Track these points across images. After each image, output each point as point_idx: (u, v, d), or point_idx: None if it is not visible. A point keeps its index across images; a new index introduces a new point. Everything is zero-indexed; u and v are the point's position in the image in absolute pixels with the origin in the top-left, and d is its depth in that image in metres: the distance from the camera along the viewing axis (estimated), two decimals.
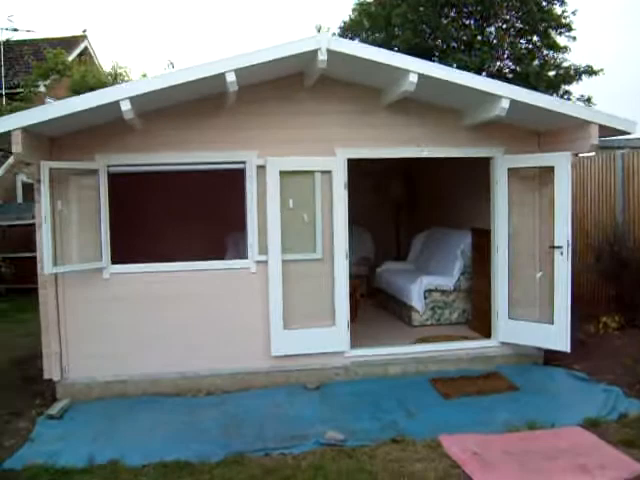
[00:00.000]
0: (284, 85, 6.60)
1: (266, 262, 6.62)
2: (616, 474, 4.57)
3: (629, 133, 6.52)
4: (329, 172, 6.67)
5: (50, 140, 6.25)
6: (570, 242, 6.54)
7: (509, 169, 6.90)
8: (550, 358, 7.10)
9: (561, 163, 6.50)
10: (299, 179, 6.71)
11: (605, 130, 6.36)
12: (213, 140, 6.61)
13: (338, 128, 6.74)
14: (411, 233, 10.78)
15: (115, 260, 6.55)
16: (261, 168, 6.58)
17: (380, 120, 6.81)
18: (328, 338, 6.76)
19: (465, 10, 14.37)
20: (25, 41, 17.00)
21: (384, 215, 11.48)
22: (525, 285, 6.98)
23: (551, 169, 6.62)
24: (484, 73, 13.89)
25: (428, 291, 8.23)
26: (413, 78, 5.81)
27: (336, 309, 6.75)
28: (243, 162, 6.62)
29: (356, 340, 6.99)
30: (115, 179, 6.56)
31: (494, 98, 6.06)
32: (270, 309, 6.61)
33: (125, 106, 5.56)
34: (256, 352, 6.71)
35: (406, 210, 11.50)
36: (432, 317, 8.27)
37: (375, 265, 10.43)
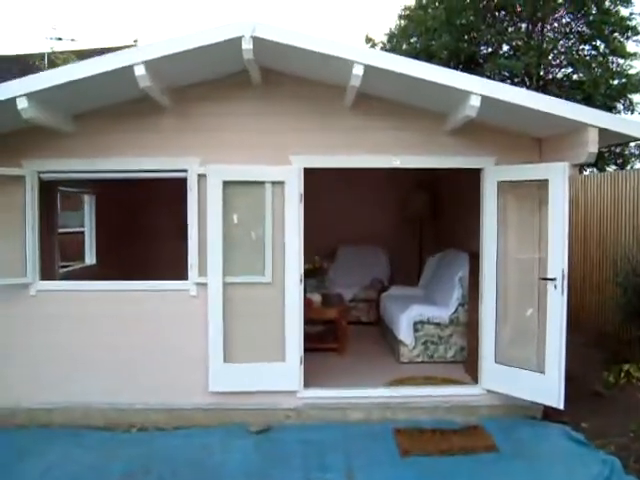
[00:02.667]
0: (230, 84, 5.78)
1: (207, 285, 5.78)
2: None
3: None
4: (281, 183, 5.77)
5: None
6: (566, 273, 5.34)
7: (499, 182, 5.76)
8: (551, 412, 5.84)
9: (556, 175, 5.32)
10: (246, 191, 5.85)
11: (612, 136, 5.13)
12: (153, 145, 5.88)
13: (294, 133, 5.84)
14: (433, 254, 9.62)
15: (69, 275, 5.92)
16: (203, 177, 5.76)
17: (345, 123, 5.86)
18: (277, 375, 5.82)
19: (513, 12, 13.06)
20: (70, 51, 17.05)
21: (407, 234, 10.38)
22: (515, 322, 5.80)
23: (546, 183, 5.43)
24: (530, 79, 12.52)
25: (420, 323, 7.13)
26: (358, 70, 4.83)
27: (287, 342, 5.81)
28: (185, 170, 5.83)
29: (332, 376, 6.30)
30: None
31: (462, 95, 4.98)
32: (209, 338, 5.76)
33: (22, 104, 4.89)
34: (195, 386, 5.87)
35: (430, 228, 10.35)
36: (424, 353, 7.15)
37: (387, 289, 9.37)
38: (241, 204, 5.84)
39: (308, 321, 7.88)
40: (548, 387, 5.40)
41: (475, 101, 4.90)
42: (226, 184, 5.73)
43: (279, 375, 5.82)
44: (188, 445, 5.52)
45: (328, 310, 7.60)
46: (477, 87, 4.92)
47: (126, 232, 9.67)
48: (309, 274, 7.87)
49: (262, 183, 5.79)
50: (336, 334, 7.56)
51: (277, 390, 5.86)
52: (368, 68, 4.85)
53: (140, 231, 9.81)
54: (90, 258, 9.06)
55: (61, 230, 8.35)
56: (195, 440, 5.61)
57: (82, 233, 9.19)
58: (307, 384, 5.95)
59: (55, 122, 5.46)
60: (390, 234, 10.25)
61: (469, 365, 6.73)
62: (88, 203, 9.08)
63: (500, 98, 4.91)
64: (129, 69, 4.86)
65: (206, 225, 5.73)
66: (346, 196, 10.17)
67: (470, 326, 6.76)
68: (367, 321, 9.34)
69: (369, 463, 5.12)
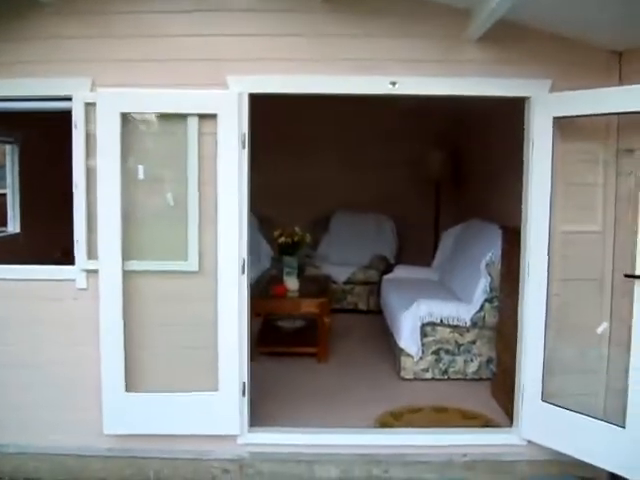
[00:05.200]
0: None
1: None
2: None
3: None
4: (213, 117, 3.67)
5: None
6: None
7: (557, 119, 3.60)
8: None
9: None
10: (158, 129, 3.81)
11: None
12: (33, 59, 3.80)
13: (234, 40, 3.74)
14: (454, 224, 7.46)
15: None
16: (94, 108, 3.69)
17: (316, 27, 3.73)
18: (206, 411, 3.83)
19: None
20: None
21: (420, 198, 8.20)
22: (578, 342, 3.71)
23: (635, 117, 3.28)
24: None
25: (430, 325, 5.05)
26: None
27: (220, 362, 3.79)
28: (69, 98, 3.77)
29: (299, 405, 4.40)
30: None
31: None
32: (102, 355, 3.75)
33: None
34: (89, 424, 3.91)
35: (450, 193, 8.18)
36: (435, 367, 5.10)
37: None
38: (151, 151, 3.82)
39: (283, 315, 5.94)
40: (629, 450, 3.31)
41: None
42: (126, 118, 3.68)
43: (209, 411, 3.83)
44: None
45: (305, 302, 5.56)
46: None
47: (58, 192, 7.63)
48: (287, 251, 5.86)
49: (183, 117, 3.72)
50: (317, 335, 5.54)
51: (208, 434, 3.86)
52: None
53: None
54: (13, 225, 7.08)
55: None
56: None
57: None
58: (258, 421, 3.99)
59: None
60: (398, 199, 8.09)
61: (498, 386, 4.69)
62: (10, 155, 7.05)
63: None
64: None
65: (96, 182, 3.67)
66: (342, 150, 8.03)
67: (501, 331, 4.70)
68: (365, 309, 7.29)
69: None
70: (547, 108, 3.65)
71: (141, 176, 3.75)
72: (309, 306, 5.49)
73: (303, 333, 5.91)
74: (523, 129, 3.85)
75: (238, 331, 3.80)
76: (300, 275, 6.13)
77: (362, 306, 7.31)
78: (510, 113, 4.65)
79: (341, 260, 7.54)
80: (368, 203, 8.03)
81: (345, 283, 7.27)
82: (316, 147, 7.95)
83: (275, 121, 7.75)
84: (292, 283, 5.78)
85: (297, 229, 6.02)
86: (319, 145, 7.94)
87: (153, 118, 3.79)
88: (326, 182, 8.05)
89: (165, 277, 3.82)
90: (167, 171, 3.86)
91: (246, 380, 3.88)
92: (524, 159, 3.84)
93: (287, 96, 3.83)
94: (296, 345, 5.66)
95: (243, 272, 3.80)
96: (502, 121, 5.72)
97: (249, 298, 3.88)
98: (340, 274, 7.24)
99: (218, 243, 3.73)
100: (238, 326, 3.79)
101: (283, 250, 6.01)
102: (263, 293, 5.85)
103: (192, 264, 3.79)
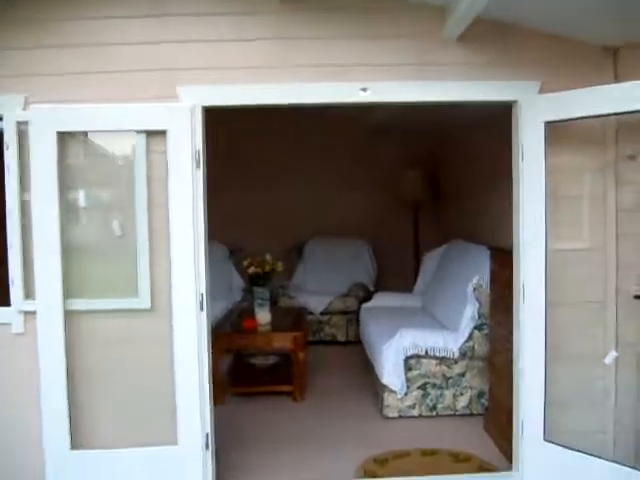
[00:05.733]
0: None
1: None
2: None
3: None
4: (163, 133, 3.24)
5: None
6: None
7: (548, 124, 3.23)
8: None
9: None
10: (101, 149, 3.35)
11: None
12: None
13: (185, 47, 3.34)
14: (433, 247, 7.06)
15: None
16: (27, 127, 3.25)
17: (275, 29, 3.34)
18: (165, 468, 3.32)
19: None
20: None
21: (399, 221, 7.81)
22: (581, 374, 3.29)
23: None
24: None
25: (415, 357, 4.61)
26: None
27: (179, 411, 3.31)
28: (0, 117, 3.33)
29: (271, 453, 3.90)
30: None
31: None
32: (42, 406, 3.26)
33: None
34: None
35: (430, 213, 7.81)
36: (422, 403, 4.64)
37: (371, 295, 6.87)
38: (93, 174, 3.37)
39: (255, 351, 5.48)
40: None
41: None
42: (64, 137, 3.22)
43: (168, 468, 3.32)
44: None
45: (277, 336, 5.10)
46: None
47: None
48: (257, 281, 5.41)
49: (128, 135, 3.27)
50: (292, 372, 5.07)
51: None
52: None
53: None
54: None
55: None
56: None
57: None
58: (226, 473, 3.51)
59: None
60: (374, 222, 7.71)
61: (491, 421, 4.26)
62: None
63: None
64: None
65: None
66: (314, 173, 7.65)
67: (493, 362, 4.28)
68: (344, 340, 6.84)
69: None
70: (537, 112, 3.28)
71: (83, 203, 3.31)
72: (282, 340, 5.04)
73: (277, 370, 5.44)
74: (510, 139, 3.47)
75: (198, 375, 3.33)
76: (273, 307, 5.68)
77: (341, 337, 6.86)
78: (494, 124, 4.33)
79: (317, 289, 7.10)
80: (344, 228, 7.62)
81: (322, 313, 6.82)
82: (286, 170, 7.57)
83: (241, 144, 7.41)
84: (264, 316, 5.32)
85: (268, 257, 5.58)
86: (290, 168, 7.56)
87: (95, 137, 3.34)
88: (299, 207, 7.65)
89: (113, 316, 3.36)
90: (112, 197, 3.42)
91: (209, 431, 3.40)
92: (513, 171, 3.46)
93: (247, 109, 3.42)
94: (270, 384, 5.19)
95: (202, 309, 3.34)
96: (485, 133, 5.41)
97: (210, 337, 3.42)
98: (317, 304, 6.80)
99: (172, 276, 3.27)
100: (198, 369, 3.33)
101: (253, 281, 5.57)
102: (234, 327, 5.40)
103: (143, 301, 3.34)
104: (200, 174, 3.30)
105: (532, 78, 3.33)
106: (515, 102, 3.37)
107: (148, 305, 3.34)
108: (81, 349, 3.32)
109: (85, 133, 3.32)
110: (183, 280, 3.28)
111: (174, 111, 3.26)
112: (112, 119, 3.25)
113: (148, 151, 3.30)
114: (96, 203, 3.36)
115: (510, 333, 3.64)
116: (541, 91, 3.32)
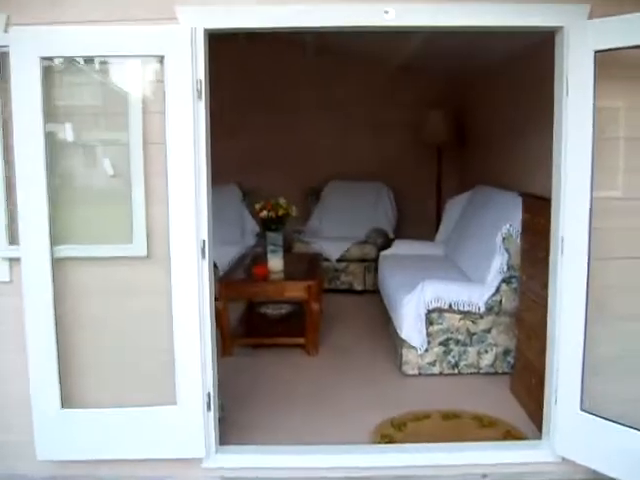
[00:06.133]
0: None
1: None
2: None
3: None
4: (160, 59, 2.85)
5: None
6: None
7: (598, 53, 2.78)
8: None
9: None
10: (90, 78, 2.97)
11: None
12: None
13: None
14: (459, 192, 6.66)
15: None
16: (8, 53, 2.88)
17: None
18: (163, 430, 3.08)
19: None
20: None
21: (422, 165, 7.39)
22: (626, 337, 2.94)
23: None
24: None
25: (437, 311, 4.28)
26: None
27: (178, 368, 3.02)
28: None
29: (281, 412, 3.65)
30: None
31: None
32: (30, 362, 2.99)
33: None
34: (19, 449, 3.18)
35: (454, 157, 7.38)
36: (444, 360, 4.34)
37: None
38: (82, 106, 3.00)
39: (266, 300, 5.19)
40: None
41: None
42: (49, 65, 2.84)
43: (167, 430, 3.07)
44: None
45: (290, 285, 4.79)
46: None
47: None
48: (270, 226, 5.08)
49: (121, 61, 2.88)
50: (307, 324, 4.78)
51: (164, 458, 3.11)
52: None
53: None
54: None
55: None
56: None
57: None
58: (231, 435, 3.29)
59: None
60: (396, 165, 7.32)
61: (518, 382, 3.95)
62: None
63: None
64: None
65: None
66: (334, 112, 7.23)
67: (522, 318, 3.94)
68: (362, 289, 6.54)
69: None
70: (586, 40, 2.83)
71: (70, 138, 2.96)
72: (295, 290, 4.73)
73: (290, 320, 5.16)
74: (549, 74, 3.04)
75: (199, 329, 3.03)
76: (287, 253, 5.37)
77: (358, 286, 6.56)
78: (530, 56, 3.87)
79: (334, 235, 6.76)
80: (363, 170, 7.24)
81: (338, 261, 6.51)
82: (306, 108, 7.19)
83: (261, 84, 7.01)
84: (276, 263, 5.01)
85: (282, 201, 5.22)
86: (309, 106, 7.18)
87: (84, 64, 2.96)
88: (317, 148, 7.28)
89: (106, 264, 3.05)
90: (104, 132, 3.05)
91: (212, 390, 3.12)
92: (555, 108, 3.03)
93: (256, 33, 3.01)
94: (282, 335, 4.92)
95: (204, 256, 3.01)
96: (519, 68, 4.93)
97: (213, 288, 3.11)
98: (333, 251, 6.47)
99: (170, 221, 2.93)
100: (199, 323, 3.03)
101: (266, 225, 5.24)
102: (245, 274, 5.11)
103: (139, 247, 3.02)
104: (202, 106, 2.92)
105: (580, 1, 2.87)
106: (560, 28, 2.92)
107: (144, 252, 3.02)
108: (71, 300, 3.03)
109: (73, 59, 2.92)
110: (182, 225, 2.95)
111: (172, 34, 2.86)
112: (103, 43, 2.86)
113: (143, 80, 2.92)
114: (86, 139, 3.01)
115: (543, 288, 3.30)
116: (590, 16, 2.86)
